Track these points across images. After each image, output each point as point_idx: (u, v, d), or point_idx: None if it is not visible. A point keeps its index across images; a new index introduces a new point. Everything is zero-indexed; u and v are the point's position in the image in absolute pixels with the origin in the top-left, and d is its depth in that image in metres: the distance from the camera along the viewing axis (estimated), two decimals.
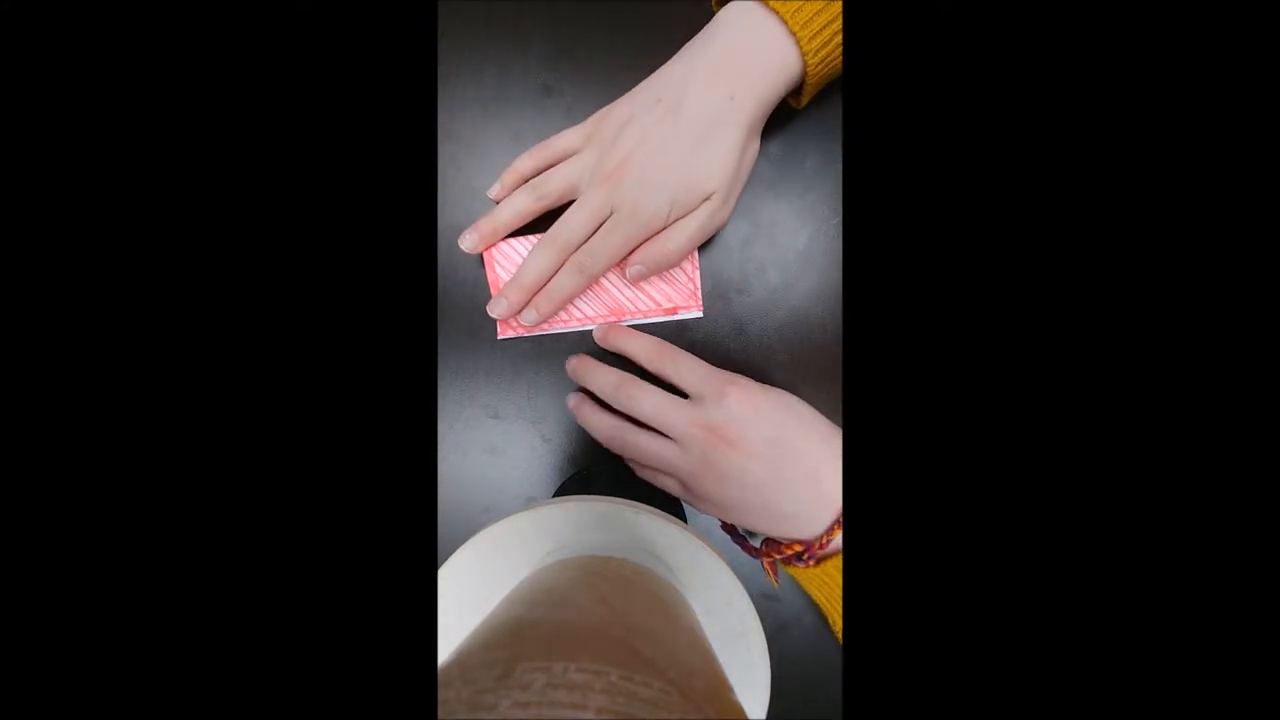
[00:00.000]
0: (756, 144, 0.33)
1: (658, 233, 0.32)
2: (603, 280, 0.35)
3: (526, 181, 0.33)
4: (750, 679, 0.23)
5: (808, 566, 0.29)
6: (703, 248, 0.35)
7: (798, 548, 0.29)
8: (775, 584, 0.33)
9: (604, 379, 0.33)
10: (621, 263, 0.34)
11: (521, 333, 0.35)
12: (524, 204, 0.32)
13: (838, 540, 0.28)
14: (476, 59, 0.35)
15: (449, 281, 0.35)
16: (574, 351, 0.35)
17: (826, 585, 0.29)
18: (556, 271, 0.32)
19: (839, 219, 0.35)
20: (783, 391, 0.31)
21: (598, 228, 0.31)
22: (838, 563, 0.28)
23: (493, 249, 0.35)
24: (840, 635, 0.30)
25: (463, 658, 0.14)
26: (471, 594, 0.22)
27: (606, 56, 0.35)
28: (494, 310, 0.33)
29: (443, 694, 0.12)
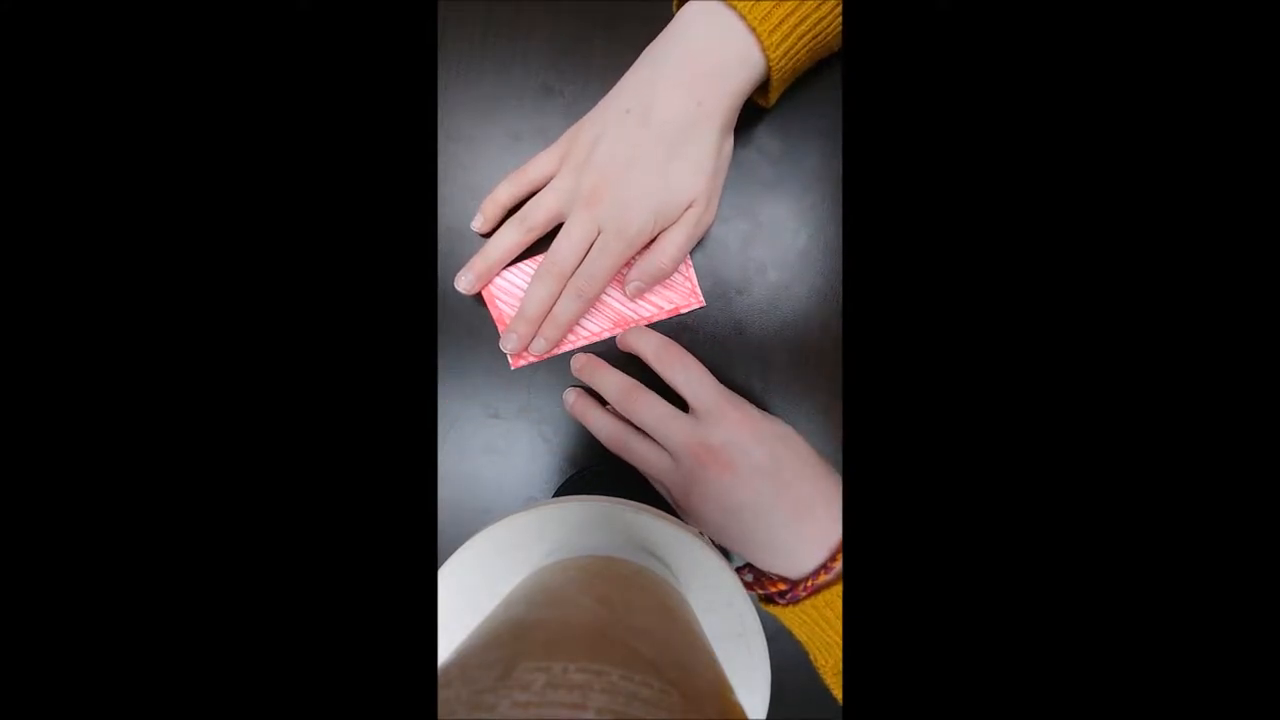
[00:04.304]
0: (730, 142, 0.32)
1: (647, 246, 0.32)
2: (603, 296, 0.35)
3: (506, 210, 0.34)
4: (750, 679, 0.23)
5: (785, 605, 0.29)
6: (695, 245, 0.35)
7: (781, 586, 0.28)
8: None
9: (611, 383, 0.33)
10: (619, 278, 0.34)
11: (532, 360, 0.35)
12: (512, 238, 0.33)
13: (821, 582, 0.28)
14: (476, 59, 0.35)
15: (449, 282, 0.35)
16: None
17: (807, 624, 0.29)
18: (558, 299, 0.33)
19: (839, 219, 0.35)
20: (782, 422, 0.31)
21: (589, 248, 0.32)
22: (816, 602, 0.28)
23: (490, 285, 0.35)
24: (823, 673, 0.30)
25: (463, 658, 0.14)
26: (471, 594, 0.22)
27: (606, 56, 0.35)
28: (506, 346, 0.34)
29: (443, 694, 0.12)
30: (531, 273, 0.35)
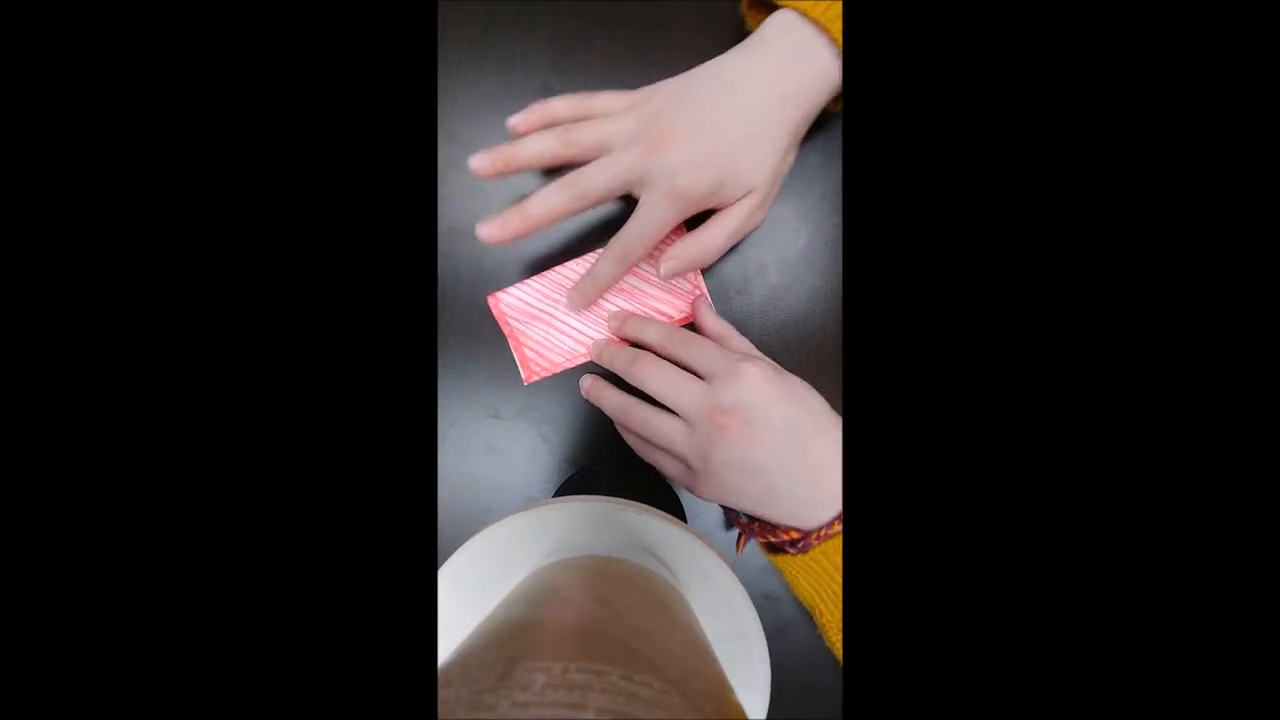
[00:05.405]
0: (794, 155, 0.32)
1: (681, 230, 0.31)
2: (608, 304, 0.35)
3: (551, 122, 0.31)
4: (750, 679, 0.23)
5: (795, 554, 0.29)
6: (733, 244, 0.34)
7: (793, 535, 0.28)
8: (739, 553, 0.33)
9: (620, 355, 0.32)
10: (632, 294, 0.34)
11: (546, 375, 0.35)
12: (550, 145, 0.30)
13: (835, 531, 0.28)
14: (476, 59, 0.35)
15: (449, 281, 0.35)
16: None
17: (815, 573, 0.29)
18: (563, 214, 0.30)
19: (839, 219, 0.35)
20: (796, 378, 0.30)
21: (617, 195, 0.30)
22: (826, 548, 0.28)
23: (501, 300, 0.35)
24: (826, 631, 0.30)
25: (463, 658, 0.14)
26: (471, 594, 0.22)
27: (606, 56, 0.35)
28: (486, 229, 0.30)
29: (443, 694, 0.12)
30: (542, 288, 0.35)
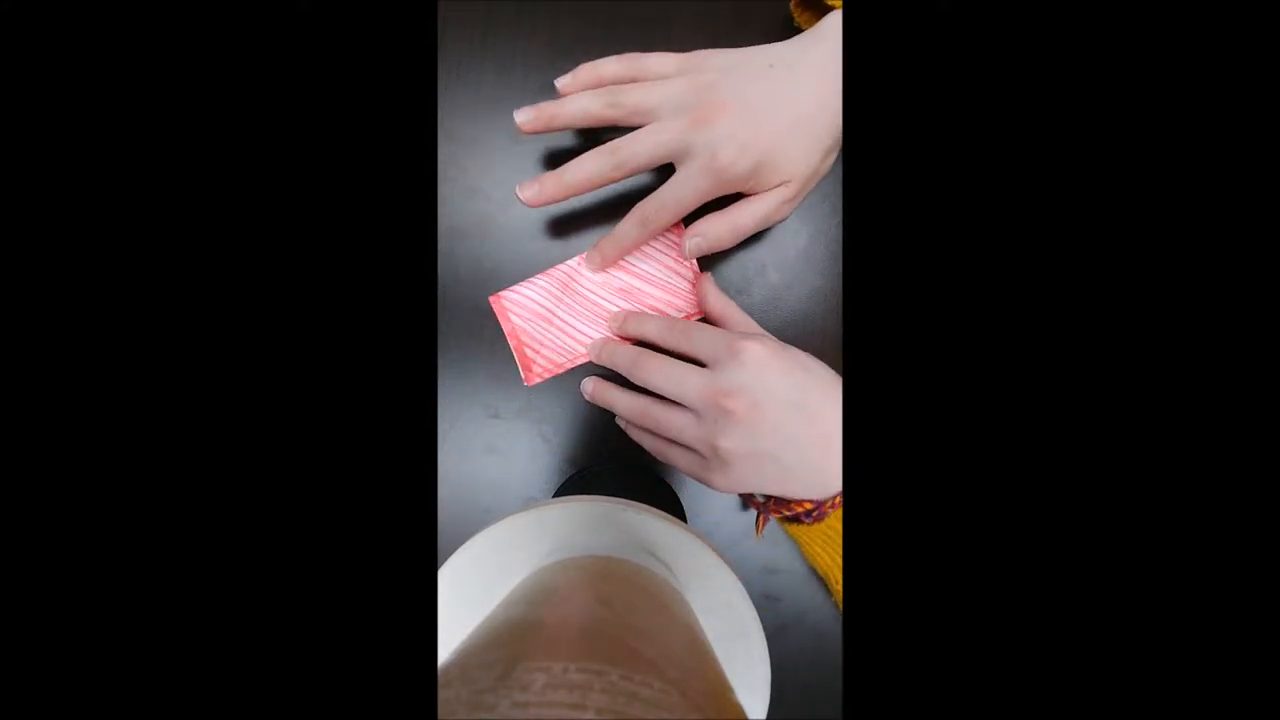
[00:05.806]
0: (834, 158, 0.32)
1: (707, 208, 0.31)
2: (608, 304, 0.35)
3: (598, 84, 0.31)
4: (750, 679, 0.23)
5: (811, 523, 0.28)
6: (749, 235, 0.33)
7: (807, 505, 0.28)
8: (759, 538, 0.32)
9: (622, 354, 0.32)
10: (630, 294, 0.34)
11: (548, 376, 0.35)
12: (594, 106, 0.30)
13: None
14: (476, 59, 0.35)
15: (449, 281, 0.35)
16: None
17: (830, 540, 0.28)
18: (600, 181, 0.30)
19: (839, 219, 0.35)
20: (799, 351, 0.29)
21: (657, 165, 0.30)
22: (841, 514, 0.28)
23: (505, 298, 0.35)
24: (841, 600, 0.30)
25: (463, 658, 0.14)
26: (471, 594, 0.22)
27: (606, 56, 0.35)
28: (525, 191, 0.31)
29: (443, 694, 0.12)
30: (546, 286, 0.35)
